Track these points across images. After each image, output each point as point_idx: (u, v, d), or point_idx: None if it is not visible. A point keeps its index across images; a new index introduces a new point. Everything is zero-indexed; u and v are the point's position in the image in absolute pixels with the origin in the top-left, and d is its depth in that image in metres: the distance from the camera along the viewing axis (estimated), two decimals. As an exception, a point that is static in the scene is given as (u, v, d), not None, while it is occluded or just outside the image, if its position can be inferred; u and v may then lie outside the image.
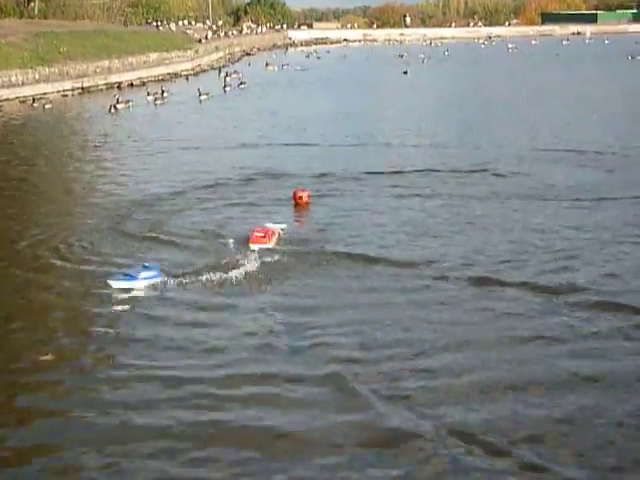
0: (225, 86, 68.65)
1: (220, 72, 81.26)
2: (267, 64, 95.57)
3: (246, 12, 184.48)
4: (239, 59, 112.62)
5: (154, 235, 22.01)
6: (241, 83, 71.19)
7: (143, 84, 72.47)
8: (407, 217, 23.83)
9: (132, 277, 17.19)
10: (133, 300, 16.96)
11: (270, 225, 21.43)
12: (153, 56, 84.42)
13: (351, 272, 18.62)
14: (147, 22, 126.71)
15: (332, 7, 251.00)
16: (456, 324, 15.61)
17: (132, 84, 72.71)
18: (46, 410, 12.57)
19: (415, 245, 20.96)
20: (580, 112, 49.65)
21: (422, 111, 52.38)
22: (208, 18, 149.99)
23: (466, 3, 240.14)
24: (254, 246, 19.92)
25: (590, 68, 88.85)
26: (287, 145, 38.44)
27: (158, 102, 58.16)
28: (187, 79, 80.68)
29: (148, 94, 59.78)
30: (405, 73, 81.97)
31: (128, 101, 55.72)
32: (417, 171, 30.81)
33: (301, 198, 24.28)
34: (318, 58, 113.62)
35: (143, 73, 78.03)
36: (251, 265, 18.53)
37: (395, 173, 30.56)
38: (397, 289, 17.55)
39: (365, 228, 22.53)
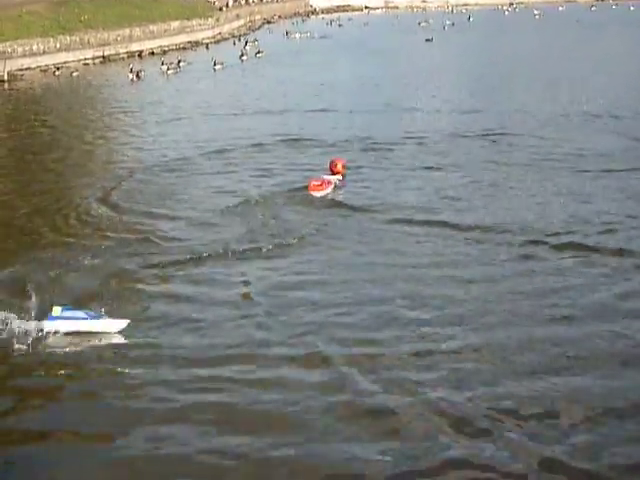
0: (242, 55, 68.20)
1: (239, 40, 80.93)
2: (287, 32, 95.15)
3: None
4: (260, 27, 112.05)
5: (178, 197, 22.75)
6: (258, 52, 70.70)
7: (164, 52, 72.38)
8: (438, 183, 23.97)
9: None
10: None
11: (327, 176, 23.23)
12: (174, 24, 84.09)
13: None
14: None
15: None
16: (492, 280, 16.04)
17: (153, 52, 72.64)
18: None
19: (451, 209, 21.12)
20: (608, 78, 49.17)
21: (447, 78, 52.04)
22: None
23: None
24: (313, 193, 22.00)
25: (618, 34, 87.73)
26: (304, 112, 38.40)
27: (170, 72, 57.73)
28: (207, 47, 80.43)
29: (163, 63, 59.61)
30: (428, 40, 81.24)
31: (140, 71, 55.43)
32: (444, 136, 31.12)
33: (336, 166, 24.47)
34: (340, 26, 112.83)
35: (164, 41, 77.86)
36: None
37: (423, 138, 30.81)
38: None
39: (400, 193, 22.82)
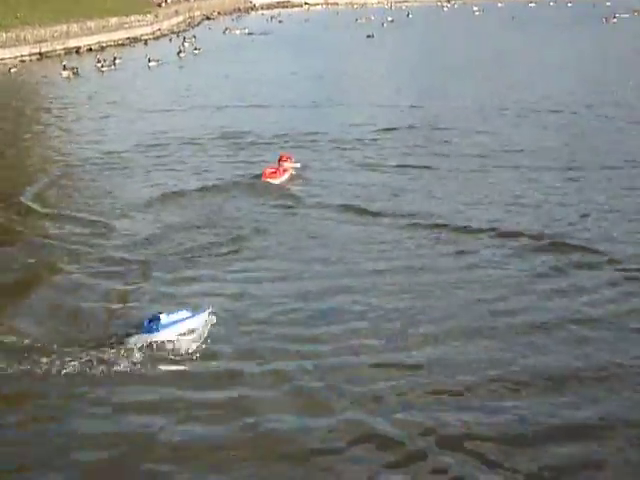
0: (180, 52, 67.52)
1: (177, 37, 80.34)
2: (227, 28, 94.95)
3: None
4: (199, 23, 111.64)
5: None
6: (195, 48, 70.15)
7: (102, 49, 71.72)
8: (378, 176, 24.16)
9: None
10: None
11: (286, 164, 23.49)
12: (112, 20, 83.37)
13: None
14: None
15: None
16: (425, 269, 16.23)
17: (91, 49, 71.87)
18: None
19: (390, 201, 21.27)
20: (545, 74, 50.01)
21: (387, 74, 52.39)
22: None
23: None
24: (269, 181, 22.42)
25: (557, 31, 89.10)
26: (243, 107, 38.34)
27: (105, 69, 56.72)
28: (146, 44, 79.78)
29: (98, 61, 58.56)
30: (369, 37, 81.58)
31: (74, 68, 54.45)
32: (382, 130, 31.27)
33: (286, 160, 24.20)
34: (280, 22, 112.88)
35: (102, 38, 77.13)
36: None
37: (363, 132, 30.93)
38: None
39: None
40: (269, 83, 47.17)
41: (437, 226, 18.90)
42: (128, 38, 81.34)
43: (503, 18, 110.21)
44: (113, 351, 12.15)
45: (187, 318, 12.97)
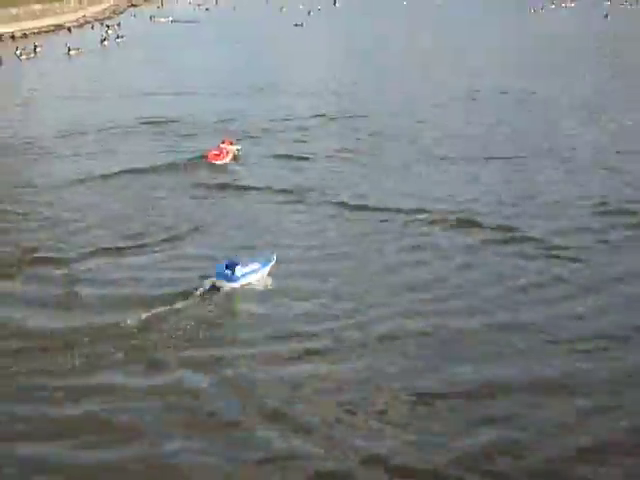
0: (104, 40, 66.16)
1: (102, 25, 78.84)
2: (152, 17, 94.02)
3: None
4: (124, 11, 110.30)
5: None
6: (118, 37, 68.62)
7: (25, 36, 70.39)
8: (310, 163, 24.85)
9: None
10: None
11: (228, 147, 24.55)
12: (36, 7, 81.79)
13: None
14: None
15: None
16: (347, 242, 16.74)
17: (13, 36, 70.43)
18: None
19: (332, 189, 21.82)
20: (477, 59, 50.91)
21: (317, 61, 52.66)
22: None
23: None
24: (213, 161, 23.72)
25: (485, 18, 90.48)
26: (159, 95, 38.38)
27: (24, 57, 55.04)
28: (70, 31, 78.47)
29: (17, 49, 56.60)
30: (298, 25, 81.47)
31: None
32: (310, 117, 32.13)
33: (228, 144, 25.13)
34: (207, 10, 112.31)
35: (27, 25, 75.57)
36: None
37: (295, 119, 31.67)
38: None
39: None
40: (195, 71, 47.13)
41: (365, 208, 19.80)
42: (53, 25, 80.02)
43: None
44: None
45: (257, 267, 15.32)
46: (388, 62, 51.88)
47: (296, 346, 12.86)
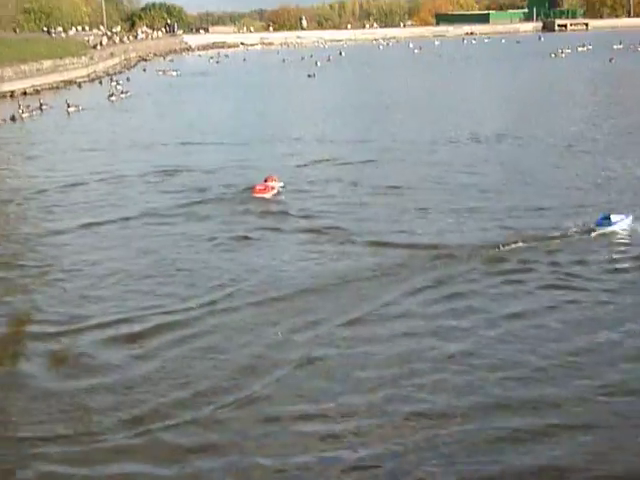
0: (111, 95, 65.43)
1: (112, 80, 78.51)
2: (163, 70, 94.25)
3: (141, 17, 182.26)
4: (135, 65, 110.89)
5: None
6: (122, 92, 67.64)
7: (37, 92, 70.36)
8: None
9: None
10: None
11: (271, 183, 26.20)
12: (47, 63, 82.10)
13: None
14: (43, 30, 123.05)
15: (228, 11, 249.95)
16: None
17: (25, 92, 70.52)
18: None
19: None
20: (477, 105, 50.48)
21: (330, 111, 52.29)
22: (102, 24, 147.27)
23: (361, 5, 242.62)
24: (256, 195, 25.45)
25: (485, 65, 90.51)
26: (166, 146, 38.42)
27: (25, 115, 53.84)
28: (80, 86, 78.57)
29: (19, 107, 55.35)
30: (310, 76, 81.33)
31: None
32: (318, 161, 32.37)
33: (270, 180, 26.62)
34: (217, 62, 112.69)
35: (37, 81, 75.75)
36: None
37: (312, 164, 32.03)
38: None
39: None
40: (210, 122, 46.86)
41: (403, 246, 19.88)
42: (63, 81, 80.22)
43: (444, 55, 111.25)
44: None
45: (623, 219, 20.60)
46: (404, 110, 51.47)
47: None
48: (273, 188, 26.15)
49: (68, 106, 56.45)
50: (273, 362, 13.65)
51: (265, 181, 26.42)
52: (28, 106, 56.22)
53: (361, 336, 14.63)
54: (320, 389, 12.74)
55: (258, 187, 25.85)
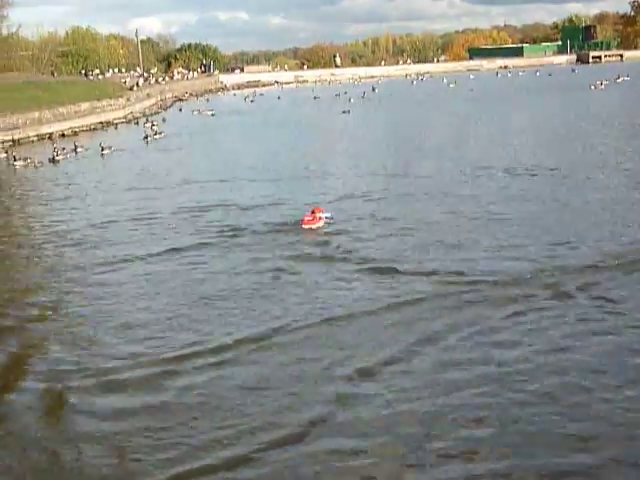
0: (147, 136, 64.69)
1: (147, 121, 78.84)
2: (199, 110, 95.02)
3: (176, 58, 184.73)
4: (171, 105, 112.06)
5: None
6: (156, 133, 66.77)
7: (75, 134, 71.31)
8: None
9: None
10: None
11: (319, 214, 26.94)
12: (84, 105, 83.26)
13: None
14: (80, 72, 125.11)
15: (262, 50, 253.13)
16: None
17: (64, 134, 71.52)
18: None
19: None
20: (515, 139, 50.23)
21: (367, 146, 52.49)
22: (139, 65, 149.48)
23: (394, 42, 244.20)
24: (305, 226, 26.15)
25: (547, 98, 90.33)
26: (200, 184, 38.78)
27: (60, 157, 53.66)
28: (116, 128, 79.39)
29: (54, 149, 55.25)
30: (345, 112, 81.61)
31: (27, 158, 52.37)
32: (356, 196, 32.75)
33: (317, 212, 27.31)
34: (252, 101, 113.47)
35: (75, 123, 76.84)
36: None
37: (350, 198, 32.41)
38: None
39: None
40: (245, 160, 47.27)
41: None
42: (100, 122, 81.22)
43: (478, 89, 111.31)
44: None
45: None
46: (440, 142, 51.50)
47: None
48: (321, 219, 26.88)
49: (102, 149, 56.62)
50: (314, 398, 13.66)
51: (312, 213, 27.04)
52: (63, 148, 56.35)
53: (406, 369, 14.78)
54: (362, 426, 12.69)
55: (307, 218, 26.59)
